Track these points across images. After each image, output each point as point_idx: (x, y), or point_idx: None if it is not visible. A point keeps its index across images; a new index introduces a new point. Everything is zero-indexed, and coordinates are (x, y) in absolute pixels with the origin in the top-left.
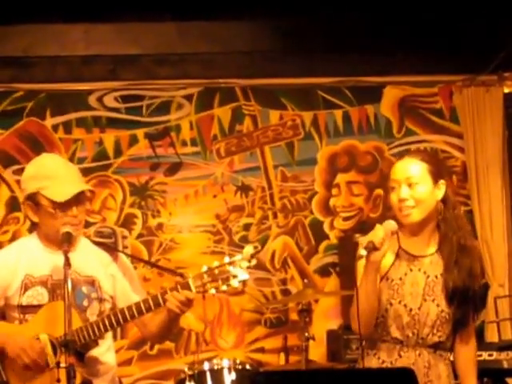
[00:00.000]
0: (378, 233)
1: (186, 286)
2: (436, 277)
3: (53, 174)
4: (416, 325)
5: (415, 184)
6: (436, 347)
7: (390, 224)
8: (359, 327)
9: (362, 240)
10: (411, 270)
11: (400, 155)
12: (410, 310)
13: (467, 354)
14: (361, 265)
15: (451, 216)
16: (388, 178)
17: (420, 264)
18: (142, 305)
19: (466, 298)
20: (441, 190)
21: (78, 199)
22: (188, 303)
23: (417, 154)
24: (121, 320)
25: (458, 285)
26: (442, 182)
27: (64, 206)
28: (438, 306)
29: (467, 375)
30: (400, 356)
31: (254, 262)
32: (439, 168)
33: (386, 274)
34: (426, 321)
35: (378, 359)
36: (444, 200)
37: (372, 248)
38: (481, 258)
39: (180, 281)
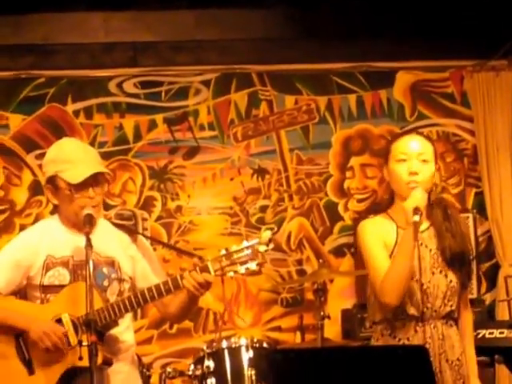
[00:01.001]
0: (420, 197)
1: (205, 269)
2: (437, 249)
3: (71, 158)
4: (429, 298)
5: (426, 161)
6: (448, 317)
7: (420, 190)
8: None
9: (406, 206)
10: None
11: (402, 132)
12: (422, 285)
13: (468, 319)
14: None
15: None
16: (388, 150)
17: (421, 239)
18: (161, 287)
19: (464, 261)
20: (435, 173)
21: (96, 181)
22: (206, 285)
23: (419, 133)
24: (141, 301)
25: (455, 250)
26: (437, 165)
27: (80, 188)
28: (446, 276)
29: (468, 341)
30: (416, 331)
31: (271, 245)
32: (435, 149)
33: (392, 254)
34: (438, 293)
35: (393, 338)
36: None
37: (420, 213)
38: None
39: (199, 264)
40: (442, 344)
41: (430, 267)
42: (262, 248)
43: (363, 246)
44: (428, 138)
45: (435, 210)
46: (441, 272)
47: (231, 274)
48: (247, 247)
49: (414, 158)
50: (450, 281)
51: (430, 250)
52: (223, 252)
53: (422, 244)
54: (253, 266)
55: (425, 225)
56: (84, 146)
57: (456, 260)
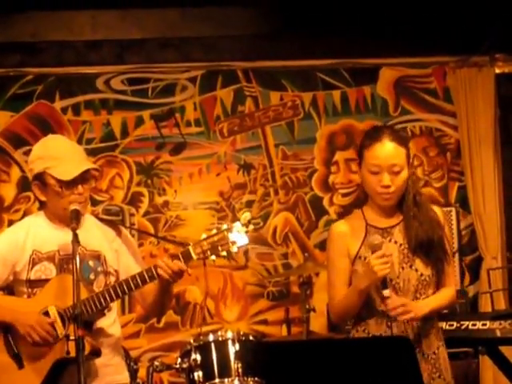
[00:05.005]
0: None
1: (187, 254)
2: (404, 240)
3: (58, 155)
4: (399, 293)
5: (398, 172)
6: None
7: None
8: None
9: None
10: (383, 242)
11: (374, 135)
12: (390, 280)
13: (446, 288)
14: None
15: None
16: (362, 154)
17: (390, 235)
18: (145, 274)
19: (433, 246)
20: (410, 169)
21: (84, 177)
22: (180, 273)
23: (393, 136)
24: (125, 289)
25: (421, 236)
26: (413, 167)
27: (70, 185)
28: (416, 270)
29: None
30: (389, 327)
31: (251, 227)
32: (409, 147)
33: (357, 254)
34: (409, 287)
35: (367, 335)
36: None
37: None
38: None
39: (181, 249)
40: (417, 338)
41: (398, 262)
42: (242, 230)
43: (328, 254)
44: (400, 140)
45: (407, 197)
46: (411, 266)
47: (213, 257)
48: (227, 230)
49: (386, 171)
50: (421, 274)
51: (400, 245)
52: (204, 236)
53: (391, 240)
54: (234, 248)
55: (397, 219)
56: (70, 142)
57: (423, 247)
